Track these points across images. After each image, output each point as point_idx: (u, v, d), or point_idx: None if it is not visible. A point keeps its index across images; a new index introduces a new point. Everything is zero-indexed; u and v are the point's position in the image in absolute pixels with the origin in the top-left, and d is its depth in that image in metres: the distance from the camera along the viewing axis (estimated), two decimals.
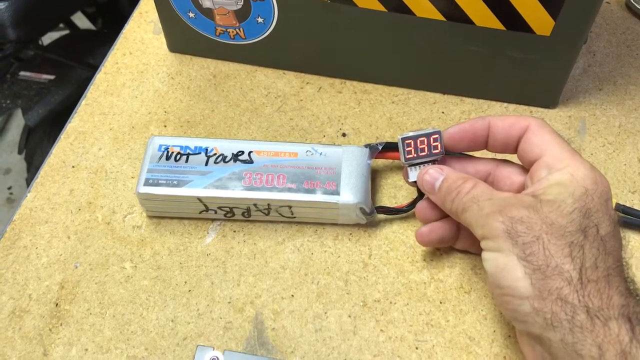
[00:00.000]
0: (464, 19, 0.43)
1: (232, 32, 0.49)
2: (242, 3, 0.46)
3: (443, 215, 0.38)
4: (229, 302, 0.38)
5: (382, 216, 0.42)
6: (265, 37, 0.49)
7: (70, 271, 0.40)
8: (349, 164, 0.41)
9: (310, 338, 0.37)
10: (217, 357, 0.35)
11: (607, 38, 0.55)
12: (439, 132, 0.38)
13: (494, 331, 0.37)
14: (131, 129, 0.48)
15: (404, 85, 0.51)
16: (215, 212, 0.41)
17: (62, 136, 0.48)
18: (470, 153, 0.40)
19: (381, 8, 0.43)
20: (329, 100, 0.50)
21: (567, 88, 0.50)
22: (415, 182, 0.38)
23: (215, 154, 0.41)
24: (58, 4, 0.99)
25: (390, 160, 0.45)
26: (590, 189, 0.31)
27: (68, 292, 0.39)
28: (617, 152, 0.46)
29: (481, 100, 0.50)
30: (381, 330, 0.37)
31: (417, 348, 0.37)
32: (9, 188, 1.44)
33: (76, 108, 0.50)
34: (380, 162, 0.45)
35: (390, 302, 0.38)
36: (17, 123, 1.53)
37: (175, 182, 0.40)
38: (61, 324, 0.38)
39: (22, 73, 1.09)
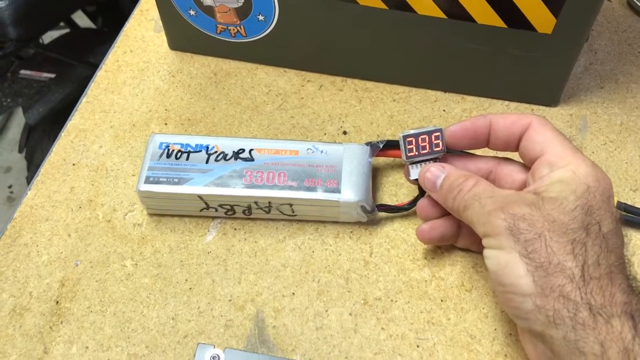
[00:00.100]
0: (466, 16, 0.43)
1: (233, 29, 0.49)
2: (243, 1, 0.46)
3: (444, 213, 0.38)
4: (230, 300, 0.38)
5: (383, 214, 0.42)
6: (266, 35, 0.49)
7: (71, 269, 0.40)
8: (350, 162, 0.41)
9: (311, 336, 0.37)
10: (218, 355, 0.35)
11: (609, 36, 0.55)
12: (440, 130, 0.38)
13: (495, 329, 0.37)
14: (132, 126, 0.48)
15: (405, 83, 0.51)
16: (216, 210, 0.41)
17: (63, 134, 0.47)
18: (472, 151, 0.40)
19: (382, 6, 0.43)
20: (330, 98, 0.50)
21: (569, 86, 0.50)
22: (416, 180, 0.38)
23: (216, 152, 0.41)
24: (58, 3, 0.99)
25: (391, 158, 0.45)
26: (592, 186, 0.31)
27: (68, 290, 0.39)
28: (619, 150, 0.46)
29: (482, 99, 0.50)
30: (382, 328, 0.37)
31: (418, 346, 0.36)
32: (10, 186, 1.44)
33: (77, 106, 0.50)
34: (381, 160, 0.45)
35: (391, 300, 0.38)
36: (18, 121, 1.53)
37: (176, 180, 0.40)
38: (62, 322, 0.38)
39: (22, 71, 1.09)
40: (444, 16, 0.43)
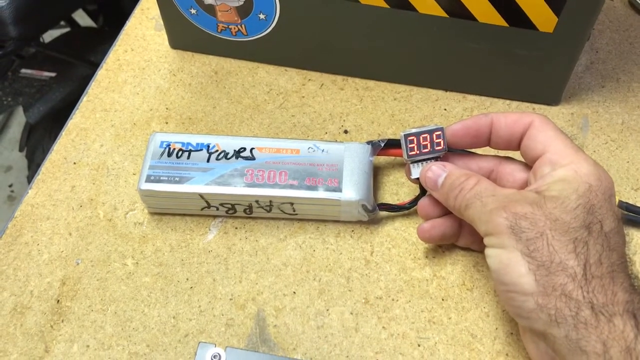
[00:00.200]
0: (467, 15, 0.43)
1: (234, 28, 0.49)
2: None
3: (445, 212, 0.38)
4: (231, 299, 0.38)
5: (384, 213, 0.42)
6: (267, 34, 0.49)
7: (72, 268, 0.40)
8: (351, 161, 0.41)
9: (312, 335, 0.37)
10: (219, 354, 0.35)
11: (610, 35, 0.54)
12: (441, 129, 0.38)
13: (496, 328, 0.37)
14: (133, 125, 0.48)
15: (406, 82, 0.51)
16: (217, 209, 0.41)
17: (64, 133, 0.47)
18: (473, 150, 0.40)
19: (384, 4, 0.43)
20: (331, 97, 0.50)
21: (570, 85, 0.50)
22: (417, 179, 0.38)
23: (217, 151, 0.41)
24: (59, 2, 0.99)
25: (393, 157, 0.45)
26: (594, 185, 0.31)
27: (69, 289, 0.39)
28: (620, 149, 0.46)
29: (483, 97, 0.50)
30: (383, 327, 0.37)
31: (419, 345, 0.36)
32: (10, 185, 1.44)
33: (77, 105, 0.50)
34: (382, 159, 0.45)
35: (392, 299, 0.38)
36: (18, 120, 1.53)
37: (177, 179, 0.40)
38: (62, 321, 0.38)
39: (23, 70, 1.09)
40: (445, 15, 0.43)
